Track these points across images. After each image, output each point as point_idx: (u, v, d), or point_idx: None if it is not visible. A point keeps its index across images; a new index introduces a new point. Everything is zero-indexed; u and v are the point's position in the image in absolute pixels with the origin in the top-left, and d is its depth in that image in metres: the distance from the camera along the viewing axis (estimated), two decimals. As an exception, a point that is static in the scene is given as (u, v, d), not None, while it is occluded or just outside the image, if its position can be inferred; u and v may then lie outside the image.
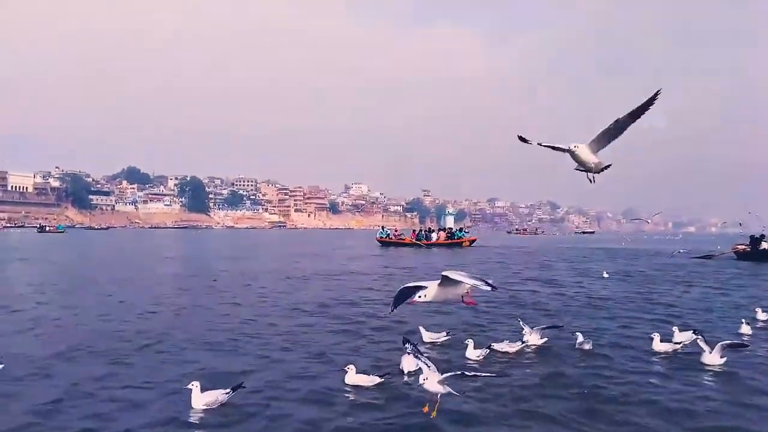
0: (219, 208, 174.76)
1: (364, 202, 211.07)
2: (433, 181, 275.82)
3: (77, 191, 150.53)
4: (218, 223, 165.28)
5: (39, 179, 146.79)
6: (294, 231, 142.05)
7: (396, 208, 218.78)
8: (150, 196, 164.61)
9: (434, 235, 45.65)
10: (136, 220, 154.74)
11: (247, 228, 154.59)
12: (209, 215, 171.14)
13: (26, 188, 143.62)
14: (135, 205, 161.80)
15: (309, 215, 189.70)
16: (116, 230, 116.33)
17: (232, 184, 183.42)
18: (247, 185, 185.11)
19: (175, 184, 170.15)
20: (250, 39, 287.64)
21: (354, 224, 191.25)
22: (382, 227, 52.89)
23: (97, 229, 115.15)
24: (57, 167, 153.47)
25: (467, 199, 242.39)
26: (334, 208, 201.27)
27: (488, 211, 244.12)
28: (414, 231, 48.87)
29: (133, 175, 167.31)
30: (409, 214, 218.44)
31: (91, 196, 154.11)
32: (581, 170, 5.67)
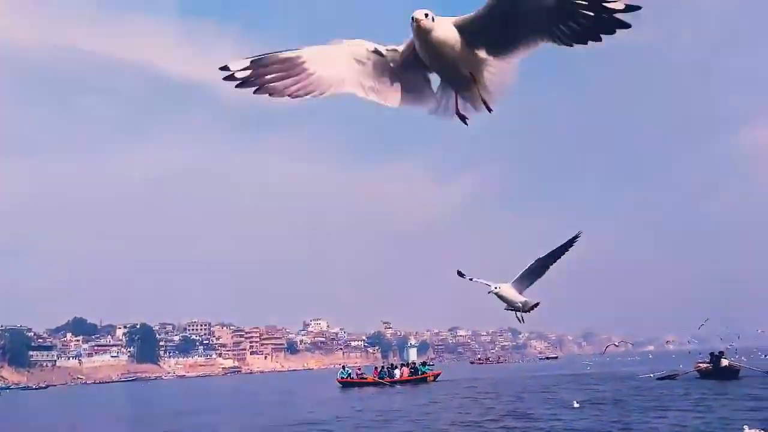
0: (170, 356, 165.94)
1: (324, 339, 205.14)
2: (394, 311, 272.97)
3: (16, 348, 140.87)
4: (168, 373, 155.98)
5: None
6: (249, 376, 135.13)
7: (357, 343, 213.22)
8: (96, 348, 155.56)
9: (397, 372, 44.09)
10: (79, 376, 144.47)
11: (199, 376, 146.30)
12: (159, 365, 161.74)
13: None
14: (79, 359, 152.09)
15: (266, 357, 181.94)
16: (55, 388, 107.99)
17: (185, 329, 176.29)
18: (200, 329, 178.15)
19: (124, 333, 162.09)
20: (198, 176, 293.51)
21: (313, 364, 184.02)
22: (343, 366, 50.88)
23: (35, 388, 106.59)
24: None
25: (428, 330, 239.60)
26: (292, 348, 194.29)
27: (451, 341, 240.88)
28: (376, 368, 47.11)
29: (80, 327, 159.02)
30: (371, 349, 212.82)
31: (30, 352, 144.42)
32: (510, 310, 5.11)
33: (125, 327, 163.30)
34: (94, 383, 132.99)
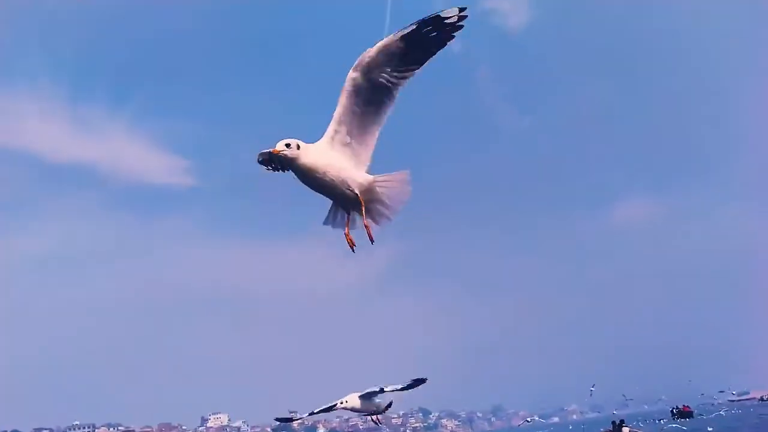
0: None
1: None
2: (301, 399, 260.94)
3: None
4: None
5: None
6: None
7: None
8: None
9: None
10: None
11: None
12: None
13: None
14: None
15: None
16: None
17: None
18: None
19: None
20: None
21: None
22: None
23: None
24: None
25: (338, 416, 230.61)
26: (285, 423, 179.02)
27: (361, 426, 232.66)
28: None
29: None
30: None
31: None
32: (366, 414, 5.00)
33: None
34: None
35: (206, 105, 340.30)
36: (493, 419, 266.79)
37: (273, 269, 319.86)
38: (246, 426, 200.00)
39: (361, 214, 3.68)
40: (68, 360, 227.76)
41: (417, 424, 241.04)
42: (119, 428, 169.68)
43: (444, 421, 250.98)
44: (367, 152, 3.64)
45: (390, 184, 3.70)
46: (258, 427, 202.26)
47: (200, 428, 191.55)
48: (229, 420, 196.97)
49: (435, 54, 3.53)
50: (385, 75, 3.42)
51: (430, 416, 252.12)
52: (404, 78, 3.54)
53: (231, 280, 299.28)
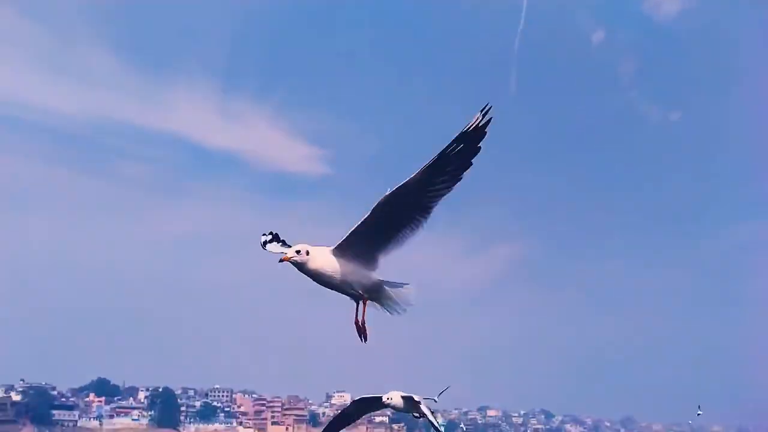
0: (190, 422, 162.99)
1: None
2: (422, 386, 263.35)
3: (39, 406, 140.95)
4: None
5: (1, 393, 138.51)
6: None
7: (381, 418, 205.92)
8: (117, 409, 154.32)
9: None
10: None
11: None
12: (178, 430, 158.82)
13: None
14: (100, 421, 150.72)
15: (287, 428, 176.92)
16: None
17: (206, 394, 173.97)
18: (222, 396, 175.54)
19: (146, 396, 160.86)
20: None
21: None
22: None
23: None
24: (22, 380, 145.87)
25: (457, 408, 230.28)
26: (314, 420, 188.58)
27: (480, 421, 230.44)
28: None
29: (103, 387, 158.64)
30: (395, 426, 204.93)
31: (53, 411, 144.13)
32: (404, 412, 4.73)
33: (148, 390, 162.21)
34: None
35: (342, 97, 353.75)
36: (622, 430, 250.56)
37: (394, 261, 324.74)
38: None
39: (364, 311, 4.01)
40: (212, 330, 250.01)
41: (538, 426, 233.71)
42: (253, 395, 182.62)
43: (568, 426, 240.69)
44: (378, 258, 3.86)
45: (395, 292, 3.99)
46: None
47: (324, 404, 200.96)
48: (351, 399, 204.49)
49: (467, 167, 3.60)
50: (418, 199, 3.59)
51: (553, 419, 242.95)
52: (441, 195, 3.70)
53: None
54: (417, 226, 3.84)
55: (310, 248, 3.77)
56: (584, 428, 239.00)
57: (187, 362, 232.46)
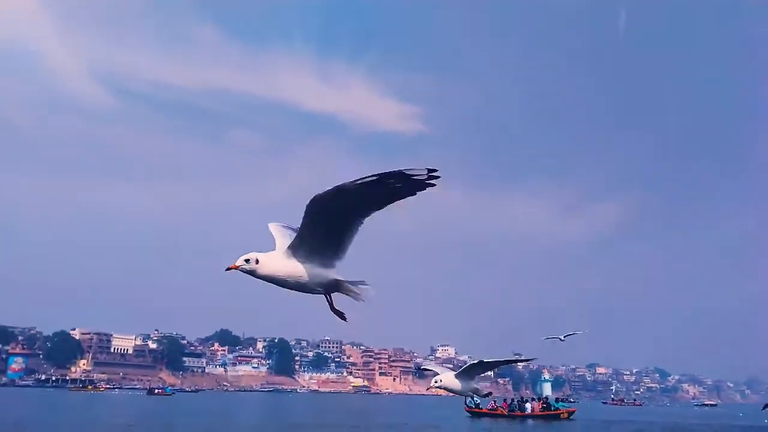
0: (304, 371, 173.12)
1: (451, 366, 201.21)
2: (526, 343, 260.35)
3: (172, 353, 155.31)
4: (303, 387, 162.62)
5: (139, 341, 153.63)
6: (378, 396, 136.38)
7: (486, 373, 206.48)
8: (239, 358, 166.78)
9: (528, 406, 41.40)
10: (224, 383, 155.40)
11: (330, 392, 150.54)
12: (294, 378, 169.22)
13: (127, 350, 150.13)
14: (224, 368, 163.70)
15: (394, 379, 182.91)
16: (205, 392, 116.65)
17: (318, 345, 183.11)
18: (332, 347, 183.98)
19: (264, 346, 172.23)
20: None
21: (442, 390, 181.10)
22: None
23: (188, 391, 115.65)
24: (156, 330, 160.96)
25: (564, 365, 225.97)
26: (420, 372, 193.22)
27: (589, 378, 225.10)
28: (505, 400, 44.58)
29: (225, 338, 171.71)
30: (501, 380, 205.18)
31: (184, 358, 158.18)
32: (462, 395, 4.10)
33: (265, 340, 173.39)
34: (236, 390, 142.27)
35: (435, 53, 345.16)
36: (747, 391, 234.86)
37: (499, 215, 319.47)
38: (471, 360, 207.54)
39: (331, 301, 4.01)
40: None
41: (652, 385, 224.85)
42: (361, 347, 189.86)
43: (685, 385, 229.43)
44: (336, 254, 3.77)
45: (354, 289, 3.93)
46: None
47: (429, 357, 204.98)
48: (456, 353, 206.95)
49: (400, 199, 3.52)
50: (348, 208, 3.51)
51: (669, 378, 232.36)
52: (369, 211, 3.61)
53: (459, 222, 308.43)
54: (353, 230, 3.77)
55: (260, 256, 3.77)
56: (703, 389, 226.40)
57: (300, 315, 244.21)
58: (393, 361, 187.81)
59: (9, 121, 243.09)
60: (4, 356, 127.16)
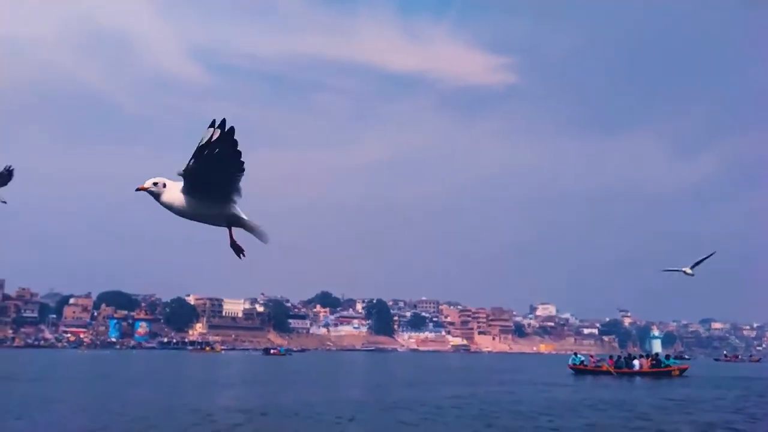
0: (402, 330, 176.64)
1: (552, 324, 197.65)
2: (633, 299, 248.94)
3: (278, 315, 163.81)
4: (402, 346, 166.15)
5: (247, 305, 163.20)
6: (479, 355, 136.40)
7: (590, 330, 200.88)
8: (340, 318, 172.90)
9: (636, 363, 39.29)
10: (328, 343, 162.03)
11: (430, 351, 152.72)
12: (394, 337, 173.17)
13: (237, 314, 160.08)
14: (327, 328, 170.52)
15: (494, 338, 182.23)
16: (312, 352, 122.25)
17: (415, 306, 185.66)
18: (429, 307, 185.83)
19: (363, 307, 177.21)
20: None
21: (542, 348, 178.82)
22: (575, 353, 47.23)
23: (296, 351, 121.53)
24: (262, 294, 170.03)
25: (675, 321, 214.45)
26: (520, 331, 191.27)
27: (703, 335, 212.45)
28: (611, 357, 42.65)
29: (326, 300, 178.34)
30: (606, 338, 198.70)
31: (289, 320, 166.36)
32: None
33: (363, 302, 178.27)
34: (339, 350, 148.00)
35: (525, 3, 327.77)
36: None
37: (599, 166, 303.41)
38: (574, 318, 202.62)
39: (231, 234, 3.98)
40: (416, 245, 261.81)
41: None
42: (458, 307, 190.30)
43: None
44: (228, 197, 3.76)
45: (252, 226, 3.92)
46: (587, 320, 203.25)
47: (528, 315, 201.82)
48: (556, 311, 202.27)
49: (236, 164, 3.49)
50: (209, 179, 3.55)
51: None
52: (232, 168, 3.54)
53: (556, 175, 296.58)
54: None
55: (168, 182, 3.70)
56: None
57: (397, 276, 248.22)
58: (491, 320, 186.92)
59: (114, 103, 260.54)
60: (130, 321, 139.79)
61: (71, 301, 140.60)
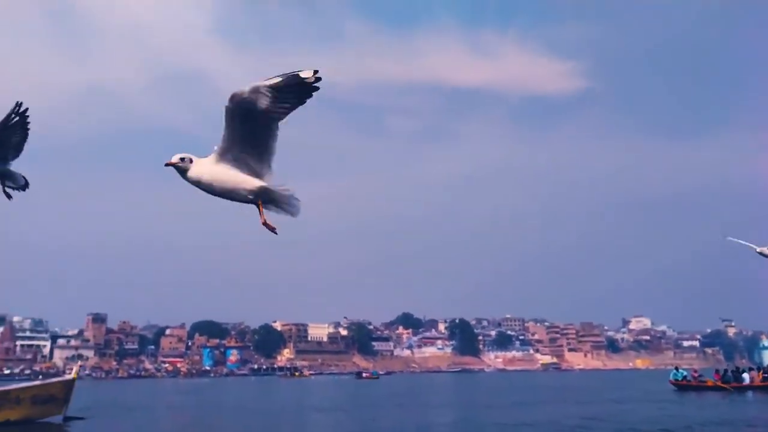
0: (488, 350, 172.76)
1: (648, 338, 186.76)
2: (738, 307, 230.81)
3: (361, 338, 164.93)
4: (489, 366, 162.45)
5: (331, 329, 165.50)
6: (570, 372, 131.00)
7: (690, 343, 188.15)
8: (423, 340, 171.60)
9: (746, 376, 36.25)
10: (413, 365, 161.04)
11: (518, 370, 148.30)
12: (479, 357, 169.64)
13: (322, 338, 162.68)
14: (411, 350, 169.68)
15: (585, 355, 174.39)
16: (400, 374, 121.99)
17: (499, 324, 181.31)
18: (515, 324, 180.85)
19: (445, 327, 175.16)
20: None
21: (639, 364, 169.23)
22: (676, 367, 44.24)
23: (382, 374, 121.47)
24: (345, 317, 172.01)
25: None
26: (613, 346, 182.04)
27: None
28: (717, 371, 39.56)
29: (407, 321, 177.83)
30: (708, 350, 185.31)
31: (372, 343, 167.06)
32: None
33: (445, 321, 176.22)
34: (425, 372, 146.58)
35: (592, 5, 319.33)
36: None
37: (688, 167, 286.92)
38: (672, 331, 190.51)
39: (261, 211, 3.97)
40: (494, 262, 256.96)
41: None
42: (545, 323, 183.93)
43: None
44: (262, 160, 3.84)
45: (282, 195, 3.94)
46: (685, 333, 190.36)
47: (621, 329, 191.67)
48: (651, 324, 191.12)
49: (303, 102, 3.74)
50: (262, 109, 3.64)
51: None
52: (283, 113, 3.73)
53: (644, 179, 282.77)
54: (272, 134, 3.84)
55: (195, 158, 3.81)
56: None
57: (478, 294, 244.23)
58: (581, 336, 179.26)
59: (194, 136, 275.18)
60: (222, 349, 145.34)
61: (167, 332, 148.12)
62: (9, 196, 5.41)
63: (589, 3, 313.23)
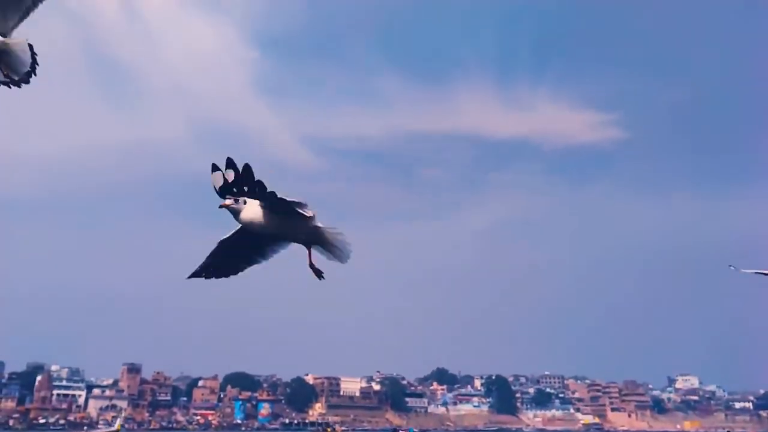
0: (526, 408, 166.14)
1: (696, 398, 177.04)
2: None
3: (394, 394, 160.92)
4: (528, 425, 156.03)
5: (364, 383, 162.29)
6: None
7: (742, 404, 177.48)
8: (458, 396, 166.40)
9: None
10: (448, 423, 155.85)
11: (558, 430, 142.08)
12: (518, 416, 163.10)
13: (354, 392, 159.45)
14: (446, 407, 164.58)
15: (629, 415, 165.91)
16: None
17: (538, 381, 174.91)
18: (554, 382, 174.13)
19: (481, 384, 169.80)
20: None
21: (688, 426, 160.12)
22: (728, 431, 41.42)
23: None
24: (378, 371, 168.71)
25: None
26: (658, 407, 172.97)
27: None
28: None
29: (442, 376, 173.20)
30: (763, 413, 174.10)
31: (406, 399, 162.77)
32: None
33: (482, 378, 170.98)
34: (461, 430, 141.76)
35: (621, 53, 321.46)
36: None
37: (722, 218, 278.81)
38: (722, 391, 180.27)
39: (309, 253, 4.11)
40: (528, 316, 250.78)
41: None
42: (585, 381, 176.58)
43: None
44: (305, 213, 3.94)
45: (333, 236, 3.98)
46: (737, 393, 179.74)
47: (667, 389, 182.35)
48: (700, 383, 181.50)
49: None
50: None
51: None
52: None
53: (677, 237, 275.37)
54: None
55: (247, 199, 3.88)
56: None
57: (516, 349, 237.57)
58: (625, 395, 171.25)
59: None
60: (254, 402, 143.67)
61: (200, 383, 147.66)
62: (8, 85, 4.87)
63: (626, 52, 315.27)
